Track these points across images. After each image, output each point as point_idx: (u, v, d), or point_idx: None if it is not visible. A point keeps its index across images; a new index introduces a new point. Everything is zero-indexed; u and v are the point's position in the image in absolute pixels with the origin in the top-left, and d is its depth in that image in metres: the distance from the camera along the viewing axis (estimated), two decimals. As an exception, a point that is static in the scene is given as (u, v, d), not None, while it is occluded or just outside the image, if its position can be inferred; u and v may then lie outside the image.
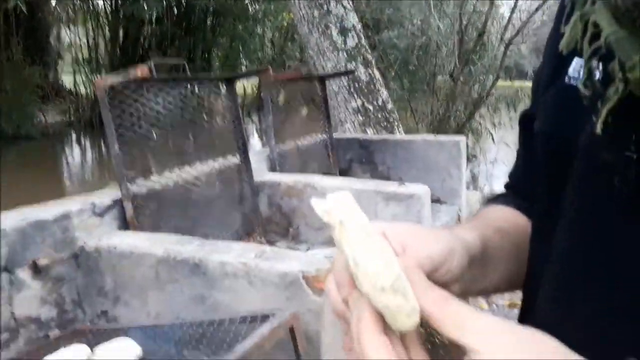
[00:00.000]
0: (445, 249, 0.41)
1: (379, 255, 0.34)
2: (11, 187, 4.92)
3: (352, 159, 3.33)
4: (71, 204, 1.67)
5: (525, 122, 0.54)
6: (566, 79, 0.44)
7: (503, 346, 0.31)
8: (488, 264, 0.48)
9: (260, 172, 2.66)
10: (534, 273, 0.48)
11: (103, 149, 9.51)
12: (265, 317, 1.27)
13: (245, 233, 2.49)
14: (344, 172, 3.24)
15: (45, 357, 1.14)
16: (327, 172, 3.12)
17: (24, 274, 1.50)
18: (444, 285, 0.40)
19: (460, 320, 0.32)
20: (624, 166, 0.36)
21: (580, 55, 0.38)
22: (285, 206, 2.52)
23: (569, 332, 0.39)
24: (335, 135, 3.39)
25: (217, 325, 1.29)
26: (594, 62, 0.37)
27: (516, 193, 0.59)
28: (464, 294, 0.46)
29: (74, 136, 10.43)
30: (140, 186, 1.87)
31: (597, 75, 0.37)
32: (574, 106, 0.41)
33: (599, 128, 0.36)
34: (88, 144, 10.24)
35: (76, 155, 9.55)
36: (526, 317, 0.50)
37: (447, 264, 0.41)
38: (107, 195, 1.79)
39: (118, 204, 1.78)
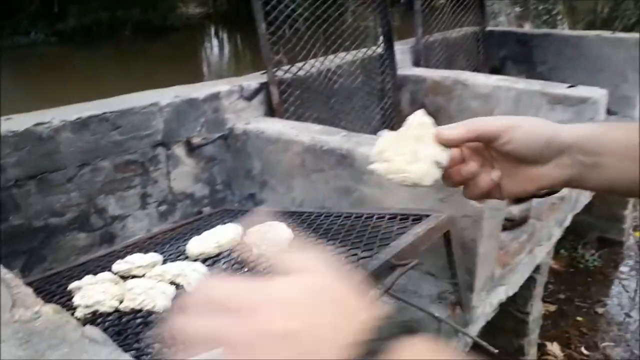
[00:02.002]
0: (506, 124, 0.51)
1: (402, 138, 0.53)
2: (164, 73, 5.27)
3: (506, 56, 2.95)
4: (220, 86, 1.65)
5: None
6: None
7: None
8: (601, 156, 0.49)
9: (404, 66, 2.46)
10: None
11: (239, 43, 9.75)
12: (417, 217, 1.17)
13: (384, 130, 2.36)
14: (495, 71, 2.89)
15: (203, 232, 1.17)
16: (476, 69, 2.80)
17: (179, 150, 1.55)
18: (521, 162, 0.51)
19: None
20: None
21: None
22: (430, 104, 2.32)
23: None
24: (488, 28, 3.00)
25: (365, 218, 1.21)
26: None
27: None
28: (575, 184, 0.51)
29: (213, 28, 10.79)
30: (285, 72, 1.80)
31: None
32: None
33: None
34: (226, 37, 10.56)
35: (216, 46, 9.93)
36: None
37: (508, 133, 0.50)
38: (254, 80, 1.75)
39: (264, 89, 1.74)
